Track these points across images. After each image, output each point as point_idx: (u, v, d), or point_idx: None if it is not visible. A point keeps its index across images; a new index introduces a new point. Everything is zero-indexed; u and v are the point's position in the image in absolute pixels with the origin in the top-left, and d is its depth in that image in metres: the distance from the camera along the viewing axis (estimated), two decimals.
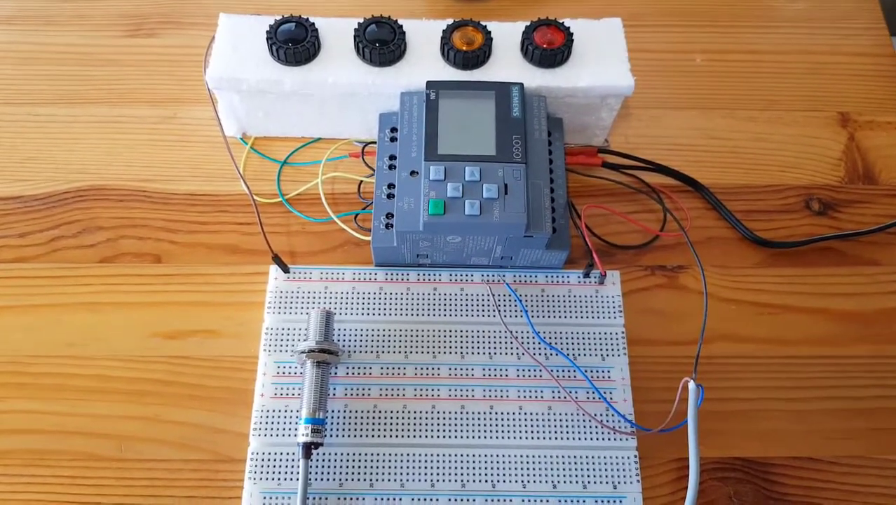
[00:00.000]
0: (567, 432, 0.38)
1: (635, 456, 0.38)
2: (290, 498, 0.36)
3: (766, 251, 0.45)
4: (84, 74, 0.50)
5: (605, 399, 0.39)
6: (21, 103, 0.49)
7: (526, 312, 0.41)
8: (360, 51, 0.42)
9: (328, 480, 0.37)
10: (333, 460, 0.37)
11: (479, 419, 0.38)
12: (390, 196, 0.40)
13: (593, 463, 0.38)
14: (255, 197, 0.44)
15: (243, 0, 0.54)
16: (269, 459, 0.37)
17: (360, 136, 0.47)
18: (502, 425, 0.38)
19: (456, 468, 0.37)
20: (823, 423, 0.40)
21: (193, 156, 0.47)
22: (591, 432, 0.38)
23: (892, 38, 0.54)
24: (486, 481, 0.37)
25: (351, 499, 0.37)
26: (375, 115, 0.43)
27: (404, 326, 0.41)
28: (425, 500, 0.37)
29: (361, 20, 0.43)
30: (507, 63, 0.43)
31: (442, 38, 0.43)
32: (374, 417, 0.38)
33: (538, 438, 0.38)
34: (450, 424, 0.38)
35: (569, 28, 0.43)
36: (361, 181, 0.45)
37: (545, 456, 0.38)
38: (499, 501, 0.37)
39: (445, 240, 0.39)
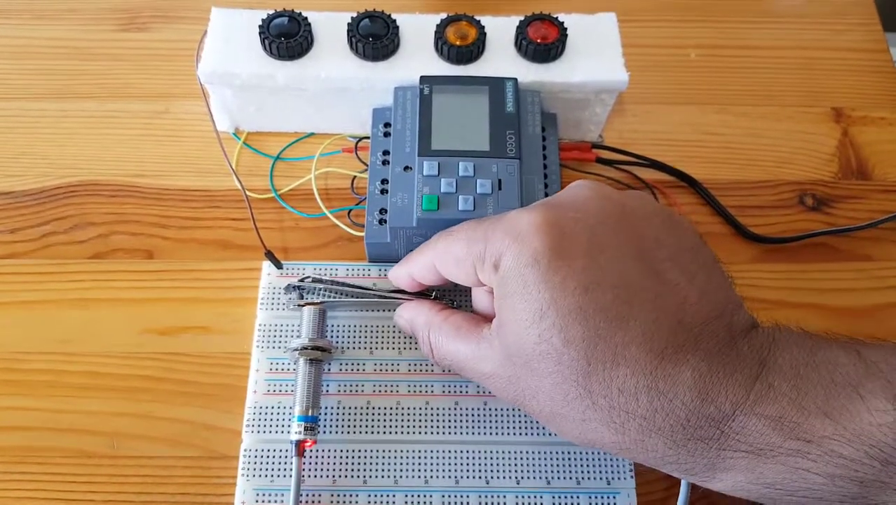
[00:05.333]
0: None
1: None
2: (283, 495, 0.36)
3: (760, 247, 0.45)
4: (75, 69, 0.50)
5: None
6: (11, 98, 0.48)
7: None
8: (353, 45, 0.42)
9: (321, 476, 0.37)
10: (327, 457, 0.37)
11: (472, 415, 0.38)
12: (384, 191, 0.40)
13: (587, 459, 0.37)
14: (247, 192, 0.44)
15: None
16: (262, 456, 0.37)
17: (353, 131, 0.47)
18: (496, 421, 0.38)
19: (450, 464, 0.37)
20: None
21: (185, 151, 0.47)
22: None
23: (886, 34, 0.54)
24: (480, 477, 0.37)
25: (344, 495, 0.36)
26: (369, 109, 0.43)
27: None
28: (419, 496, 0.37)
29: (355, 14, 0.43)
30: (501, 58, 0.43)
31: (436, 32, 0.43)
32: (367, 414, 0.38)
33: (532, 434, 0.38)
34: (443, 421, 0.38)
35: (563, 23, 0.43)
36: (355, 176, 0.45)
37: (539, 452, 0.38)
38: (493, 496, 0.37)
39: None
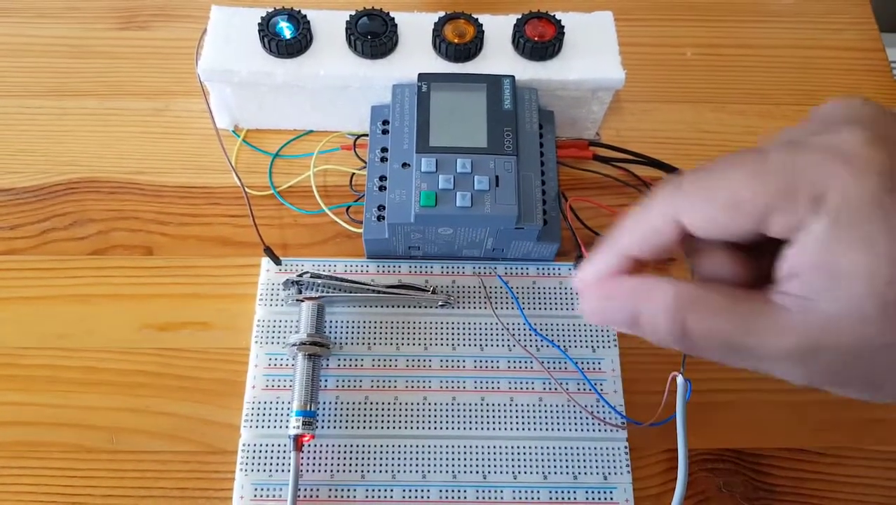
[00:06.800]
0: (558, 423, 0.38)
1: (626, 447, 0.38)
2: (281, 489, 0.36)
3: None
4: (76, 67, 0.50)
5: (596, 391, 0.39)
6: (13, 95, 0.49)
7: (518, 303, 0.41)
8: (351, 43, 0.42)
9: (320, 471, 0.37)
10: (325, 452, 0.37)
11: (470, 411, 0.39)
12: (382, 188, 0.40)
13: (584, 454, 0.38)
14: (246, 189, 0.44)
15: None
16: (260, 451, 0.37)
17: (351, 128, 0.47)
18: (493, 417, 0.38)
19: (447, 459, 0.37)
20: (813, 414, 0.40)
21: (185, 148, 0.47)
22: (581, 424, 0.38)
23: (882, 33, 0.55)
24: (478, 472, 0.37)
25: (342, 490, 0.37)
26: (367, 107, 0.43)
27: (396, 317, 0.41)
28: (417, 491, 0.37)
29: (353, 12, 0.43)
30: (499, 56, 0.43)
31: (434, 30, 0.43)
32: (365, 409, 0.38)
33: (529, 429, 0.38)
34: (441, 416, 0.38)
35: (560, 21, 0.43)
36: (353, 173, 0.45)
37: (536, 447, 0.38)
38: (490, 491, 0.37)
39: (437, 232, 0.39)
